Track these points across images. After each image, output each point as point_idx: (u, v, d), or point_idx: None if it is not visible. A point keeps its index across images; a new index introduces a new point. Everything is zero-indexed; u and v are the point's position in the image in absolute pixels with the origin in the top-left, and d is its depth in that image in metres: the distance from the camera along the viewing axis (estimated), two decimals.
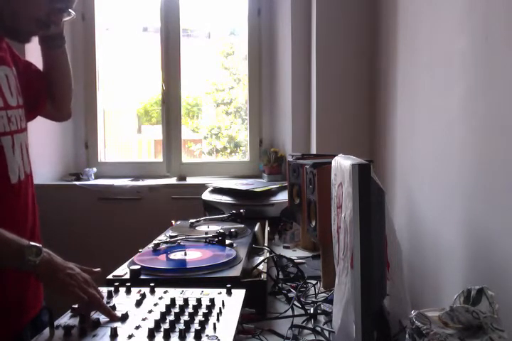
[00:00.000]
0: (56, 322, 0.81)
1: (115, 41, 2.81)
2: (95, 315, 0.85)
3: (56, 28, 1.16)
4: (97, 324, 0.81)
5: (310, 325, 1.07)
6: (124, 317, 0.83)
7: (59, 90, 1.30)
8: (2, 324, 1.02)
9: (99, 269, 1.02)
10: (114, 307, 0.87)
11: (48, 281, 0.90)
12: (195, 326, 0.78)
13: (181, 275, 1.09)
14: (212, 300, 0.88)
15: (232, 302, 0.90)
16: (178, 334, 0.75)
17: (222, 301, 0.89)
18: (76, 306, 0.86)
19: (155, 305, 0.89)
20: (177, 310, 0.84)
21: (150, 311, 0.86)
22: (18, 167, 1.05)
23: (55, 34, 1.20)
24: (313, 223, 1.38)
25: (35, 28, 1.04)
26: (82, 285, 0.88)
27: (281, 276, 1.36)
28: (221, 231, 1.39)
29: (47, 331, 0.78)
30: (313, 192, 1.38)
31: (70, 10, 1.09)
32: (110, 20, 2.75)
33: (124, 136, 3.00)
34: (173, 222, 1.70)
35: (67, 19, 1.12)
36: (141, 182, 2.44)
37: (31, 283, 1.11)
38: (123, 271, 1.13)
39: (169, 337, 0.75)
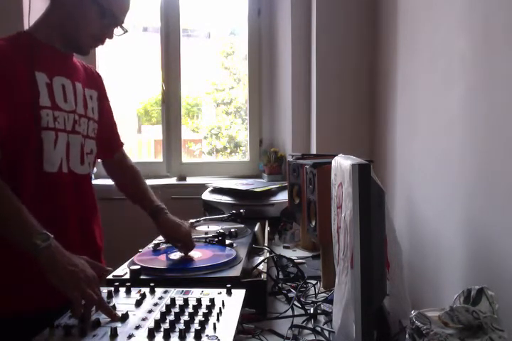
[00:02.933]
0: (56, 322, 0.81)
1: (115, 41, 2.81)
2: (95, 315, 0.85)
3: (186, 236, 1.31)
4: (97, 324, 0.80)
5: (310, 325, 1.07)
6: (124, 317, 0.83)
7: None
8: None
9: (110, 268, 1.06)
10: (114, 307, 0.87)
11: (47, 273, 0.90)
12: (195, 326, 0.78)
13: (181, 275, 1.09)
14: (212, 300, 0.88)
15: (232, 302, 0.90)
16: (178, 334, 0.75)
17: (222, 301, 0.89)
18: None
19: (155, 305, 0.89)
20: (177, 310, 0.84)
21: (150, 311, 0.86)
22: (60, 161, 1.17)
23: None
24: (313, 223, 1.38)
25: (92, 41, 1.22)
26: (81, 284, 0.87)
27: (281, 276, 1.36)
28: (221, 231, 1.39)
29: (47, 331, 0.78)
30: (313, 192, 1.38)
31: (121, 25, 1.26)
32: None
33: (124, 136, 3.00)
34: None
35: (121, 34, 1.28)
36: None
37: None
38: (123, 271, 1.13)
39: (169, 337, 0.75)
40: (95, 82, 1.36)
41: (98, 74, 1.39)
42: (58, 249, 0.93)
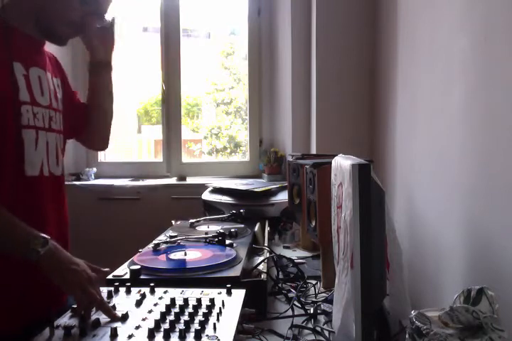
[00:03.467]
0: (56, 322, 0.81)
1: (115, 41, 2.81)
2: (95, 315, 0.85)
3: (107, 56, 1.29)
4: (97, 324, 0.80)
5: (310, 325, 1.07)
6: (124, 317, 0.83)
7: (99, 118, 1.34)
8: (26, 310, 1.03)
9: (107, 269, 1.02)
10: (114, 307, 0.87)
11: (50, 274, 0.90)
12: (195, 326, 0.78)
13: (181, 276, 1.09)
14: (212, 300, 0.88)
15: (232, 302, 0.90)
16: (178, 334, 0.75)
17: (222, 301, 0.89)
18: (75, 306, 0.86)
19: (155, 305, 0.89)
20: (177, 310, 0.84)
21: (150, 311, 0.86)
22: (42, 162, 1.08)
23: (105, 61, 1.30)
24: (313, 223, 1.38)
25: (70, 30, 1.11)
26: (84, 283, 0.88)
27: (281, 276, 1.36)
28: (221, 231, 1.39)
29: (47, 331, 0.78)
30: (313, 192, 1.38)
31: (103, 15, 1.16)
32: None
33: (124, 136, 3.01)
34: (173, 222, 1.70)
35: (105, 24, 1.21)
36: (141, 182, 2.44)
37: None
38: (123, 271, 1.13)
39: (169, 337, 0.75)
40: (58, 69, 1.24)
41: (56, 58, 1.26)
42: (58, 249, 0.92)
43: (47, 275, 0.90)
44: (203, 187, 2.15)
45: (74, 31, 1.13)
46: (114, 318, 0.83)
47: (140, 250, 1.31)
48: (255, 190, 1.95)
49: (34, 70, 1.09)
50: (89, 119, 1.33)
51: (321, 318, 1.11)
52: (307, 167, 1.44)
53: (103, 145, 1.43)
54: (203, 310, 0.85)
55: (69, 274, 0.89)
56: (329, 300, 1.14)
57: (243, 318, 0.90)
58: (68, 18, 1.08)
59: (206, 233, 1.45)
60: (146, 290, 0.97)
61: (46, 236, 0.91)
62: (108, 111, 1.35)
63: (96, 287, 0.90)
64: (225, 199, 1.93)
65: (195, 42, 3.03)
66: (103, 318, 0.83)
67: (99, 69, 1.30)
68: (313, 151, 2.14)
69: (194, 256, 1.22)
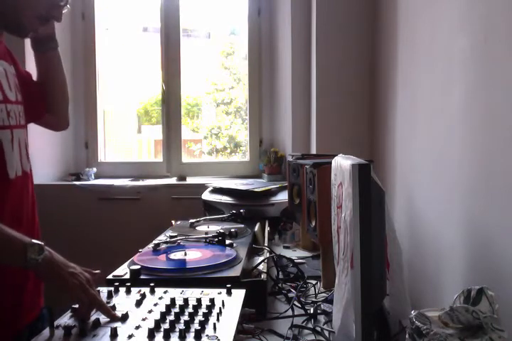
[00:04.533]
0: (56, 322, 0.81)
1: (115, 41, 2.81)
2: (95, 315, 0.85)
3: (48, 30, 1.18)
4: (97, 324, 0.80)
5: (310, 325, 1.07)
6: (124, 317, 0.83)
7: (55, 97, 1.27)
8: None
9: (98, 271, 1.00)
10: (114, 307, 0.87)
11: (49, 280, 0.89)
12: (195, 326, 0.78)
13: (181, 276, 1.09)
14: (212, 300, 0.88)
15: (232, 302, 0.90)
16: (178, 334, 0.75)
17: (222, 301, 0.89)
18: (76, 306, 0.86)
19: (155, 305, 0.89)
20: (177, 310, 0.84)
21: (150, 311, 0.86)
22: (17, 163, 1.05)
23: (48, 36, 1.20)
24: (313, 223, 1.38)
25: (36, 23, 1.04)
26: (85, 284, 0.88)
27: (281, 276, 1.36)
28: (221, 231, 1.39)
29: (47, 331, 0.78)
30: (313, 192, 1.38)
31: (66, 5, 1.08)
32: (110, 20, 2.75)
33: (124, 136, 3.00)
34: (173, 222, 1.70)
35: (63, 12, 1.10)
36: (141, 182, 2.44)
37: (29, 286, 1.10)
38: (123, 271, 1.13)
39: (169, 337, 0.75)
40: (8, 53, 1.13)
41: (2, 41, 1.12)
42: (53, 254, 0.90)
43: (45, 281, 0.89)
44: (203, 187, 2.15)
45: (39, 23, 1.06)
46: (113, 318, 0.83)
47: (140, 250, 1.31)
48: (255, 190, 1.95)
49: (0, 64, 1.03)
50: (45, 93, 1.26)
51: (321, 318, 1.11)
52: (307, 167, 1.44)
53: (65, 124, 1.36)
54: (203, 310, 0.85)
55: (69, 278, 0.88)
56: (329, 300, 1.14)
57: (243, 318, 0.90)
58: (37, 11, 1.02)
59: (206, 233, 1.45)
60: (146, 290, 0.97)
61: (39, 242, 0.88)
62: (62, 88, 1.29)
63: (94, 288, 0.90)
64: (225, 199, 1.93)
65: (195, 42, 3.03)
66: (103, 318, 0.83)
67: (44, 45, 1.22)
68: (313, 151, 2.14)
69: (194, 256, 1.22)
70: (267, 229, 1.76)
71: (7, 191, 1.01)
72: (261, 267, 1.21)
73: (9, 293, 1.04)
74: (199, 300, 0.88)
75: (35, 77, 1.28)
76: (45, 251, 0.88)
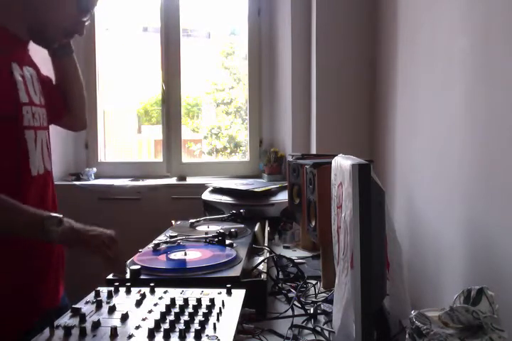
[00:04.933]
0: (56, 322, 0.81)
1: (115, 41, 2.81)
2: (95, 315, 0.85)
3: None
4: (97, 324, 0.80)
5: (310, 325, 1.07)
6: (124, 317, 0.83)
7: (72, 100, 1.34)
8: (15, 315, 1.06)
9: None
10: (114, 307, 0.87)
11: (73, 245, 0.99)
12: (195, 326, 0.78)
13: (181, 276, 1.09)
14: (212, 300, 0.88)
15: (232, 302, 0.90)
16: (178, 334, 0.75)
17: (222, 301, 0.89)
18: (77, 306, 0.86)
19: (155, 305, 0.89)
20: (177, 310, 0.84)
21: (150, 311, 0.86)
22: (39, 162, 1.12)
23: (64, 43, 1.26)
24: (313, 223, 1.38)
25: (60, 36, 1.13)
26: (107, 242, 0.99)
27: (281, 276, 1.36)
28: (221, 231, 1.39)
29: (47, 331, 0.78)
30: (313, 192, 1.38)
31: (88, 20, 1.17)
32: (110, 20, 2.75)
33: (124, 136, 3.00)
34: (173, 222, 1.70)
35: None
36: (141, 182, 2.44)
37: (51, 269, 1.18)
38: None
39: (169, 337, 0.75)
40: (30, 58, 1.20)
41: None
42: (71, 223, 0.98)
43: (69, 247, 1.01)
44: (203, 187, 2.15)
45: (64, 37, 1.15)
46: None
47: (140, 250, 1.31)
48: (255, 190, 1.95)
49: (27, 69, 1.10)
50: (65, 102, 1.34)
51: (321, 318, 1.11)
52: (307, 167, 1.44)
53: (82, 125, 1.43)
54: (203, 310, 0.85)
55: (92, 240, 0.98)
56: (329, 300, 1.14)
57: (243, 318, 0.90)
58: (63, 25, 1.10)
59: (206, 233, 1.45)
60: (146, 290, 0.96)
61: (58, 214, 0.95)
62: (79, 91, 1.36)
63: (117, 243, 1.02)
64: (225, 199, 1.93)
65: (195, 42, 3.03)
66: (103, 318, 0.83)
67: (61, 52, 1.29)
68: (313, 151, 2.14)
69: (194, 256, 1.22)
70: (267, 229, 1.76)
71: (29, 187, 1.07)
72: (261, 267, 1.21)
73: (35, 273, 1.12)
74: (199, 300, 0.88)
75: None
76: (64, 223, 0.96)
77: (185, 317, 0.81)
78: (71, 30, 1.13)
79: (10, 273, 1.05)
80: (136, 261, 1.17)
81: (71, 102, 1.34)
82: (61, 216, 0.95)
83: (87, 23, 1.17)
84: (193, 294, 0.94)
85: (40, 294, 1.15)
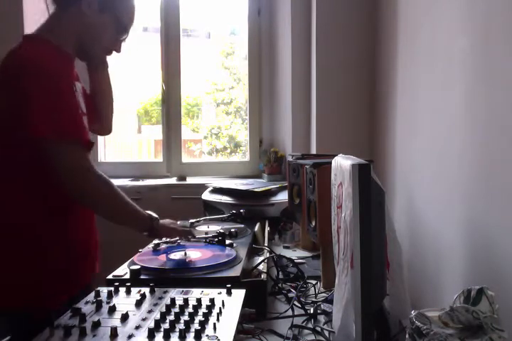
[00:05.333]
0: (56, 322, 0.81)
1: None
2: (95, 315, 0.85)
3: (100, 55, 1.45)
4: (97, 324, 0.80)
5: (310, 325, 1.07)
6: (124, 317, 0.83)
7: (102, 108, 1.52)
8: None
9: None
10: (114, 308, 0.87)
11: (162, 234, 1.33)
12: (195, 326, 0.78)
13: (181, 275, 1.09)
14: (212, 300, 0.88)
15: (232, 302, 0.90)
16: (178, 334, 0.75)
17: (222, 301, 0.89)
18: (78, 306, 0.87)
19: (155, 305, 0.89)
20: (177, 310, 0.84)
21: (150, 311, 0.86)
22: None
23: (102, 59, 1.46)
24: (313, 223, 1.38)
25: (101, 53, 1.36)
26: (180, 231, 1.35)
27: (281, 276, 1.36)
28: (221, 231, 1.39)
29: (47, 331, 0.78)
30: (313, 192, 1.38)
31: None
32: None
33: (124, 136, 3.00)
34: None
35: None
36: (141, 182, 2.44)
37: (92, 243, 1.40)
38: (123, 271, 1.13)
39: (169, 337, 0.75)
40: (77, 73, 1.38)
41: None
42: (160, 220, 1.31)
43: (160, 236, 1.34)
44: (203, 187, 2.15)
45: (104, 54, 1.37)
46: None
47: (140, 250, 1.32)
48: (255, 190, 1.95)
49: (78, 85, 1.30)
50: (96, 110, 1.51)
51: (321, 318, 1.11)
52: (307, 167, 1.44)
53: (108, 130, 1.60)
54: (203, 310, 0.85)
55: (173, 230, 1.34)
56: (329, 300, 1.14)
57: (243, 318, 0.90)
58: (104, 43, 1.30)
59: (206, 233, 1.45)
60: (146, 290, 0.97)
61: (153, 213, 1.31)
62: (110, 101, 1.54)
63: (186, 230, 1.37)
64: (225, 199, 1.93)
65: (195, 42, 3.03)
66: (103, 318, 0.83)
67: (97, 67, 1.47)
68: (313, 151, 2.14)
69: (194, 256, 1.23)
70: (267, 229, 1.76)
71: None
72: (261, 267, 1.21)
73: (82, 243, 1.33)
74: (199, 300, 0.88)
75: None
76: (156, 218, 1.30)
77: (185, 317, 0.81)
78: (111, 48, 1.33)
79: (65, 246, 1.24)
80: (136, 261, 1.17)
81: (101, 110, 1.51)
82: (155, 215, 1.31)
83: (124, 42, 1.36)
84: (193, 294, 0.94)
85: (84, 268, 1.33)
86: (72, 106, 1.18)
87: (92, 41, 1.28)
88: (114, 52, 1.36)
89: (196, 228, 1.59)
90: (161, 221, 1.33)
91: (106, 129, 1.59)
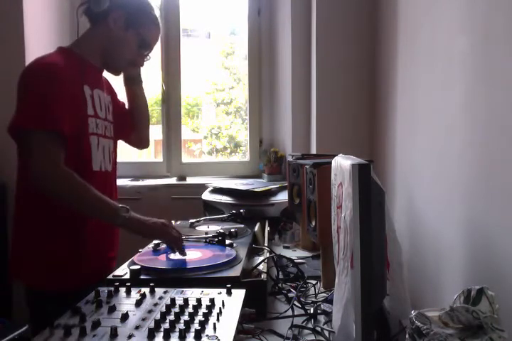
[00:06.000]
0: (56, 322, 0.81)
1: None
2: (95, 315, 0.85)
3: (135, 72, 1.60)
4: (97, 324, 0.80)
5: (310, 325, 1.07)
6: (124, 317, 0.83)
7: (138, 122, 1.63)
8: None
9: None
10: (114, 307, 0.87)
11: (138, 230, 1.24)
12: (195, 326, 0.78)
13: (181, 275, 1.09)
14: (212, 300, 0.88)
15: (232, 302, 0.90)
16: (178, 334, 0.75)
17: (222, 301, 0.89)
18: (78, 305, 0.87)
19: (155, 305, 0.89)
20: (177, 310, 0.84)
21: (150, 311, 0.86)
22: (100, 161, 1.38)
23: (136, 75, 1.61)
24: (313, 223, 1.38)
25: (126, 66, 1.47)
26: (167, 229, 1.25)
27: (281, 276, 1.36)
28: (221, 231, 1.39)
29: (47, 331, 0.78)
30: (313, 192, 1.38)
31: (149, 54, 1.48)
32: None
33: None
34: (173, 222, 1.70)
35: (146, 60, 1.51)
36: (141, 182, 2.44)
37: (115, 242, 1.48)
38: (123, 271, 1.13)
39: (169, 337, 0.75)
40: (109, 88, 1.54)
41: (107, 80, 1.57)
42: (137, 215, 1.25)
43: (135, 232, 1.24)
44: (203, 187, 2.15)
45: (128, 66, 1.47)
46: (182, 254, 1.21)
47: (140, 250, 1.32)
48: (255, 190, 1.95)
49: (96, 91, 1.39)
50: (132, 123, 1.63)
51: (321, 318, 1.11)
52: (307, 167, 1.44)
53: (145, 144, 1.72)
54: (203, 310, 0.85)
55: (153, 225, 1.25)
56: (329, 300, 1.14)
57: (243, 318, 0.90)
58: (127, 57, 1.42)
59: (206, 233, 1.45)
60: (146, 290, 0.97)
61: (126, 206, 1.24)
62: (145, 115, 1.66)
63: (174, 229, 1.27)
64: (225, 199, 1.93)
65: (195, 42, 3.03)
66: (103, 318, 0.83)
67: (132, 82, 1.61)
68: (313, 151, 2.14)
69: (194, 256, 1.23)
70: (267, 229, 1.76)
71: (91, 180, 1.27)
72: (261, 267, 1.21)
73: (106, 230, 1.42)
74: (199, 300, 0.88)
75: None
76: (130, 211, 1.24)
77: (185, 317, 0.81)
78: (134, 61, 1.45)
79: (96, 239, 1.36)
80: (136, 261, 1.17)
81: (137, 124, 1.63)
82: (128, 207, 1.24)
83: (147, 57, 1.48)
84: (193, 294, 0.94)
85: (109, 257, 1.45)
86: (60, 101, 1.22)
87: (115, 55, 1.40)
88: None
89: (196, 228, 1.59)
90: (153, 221, 1.27)
91: (142, 143, 1.69)
